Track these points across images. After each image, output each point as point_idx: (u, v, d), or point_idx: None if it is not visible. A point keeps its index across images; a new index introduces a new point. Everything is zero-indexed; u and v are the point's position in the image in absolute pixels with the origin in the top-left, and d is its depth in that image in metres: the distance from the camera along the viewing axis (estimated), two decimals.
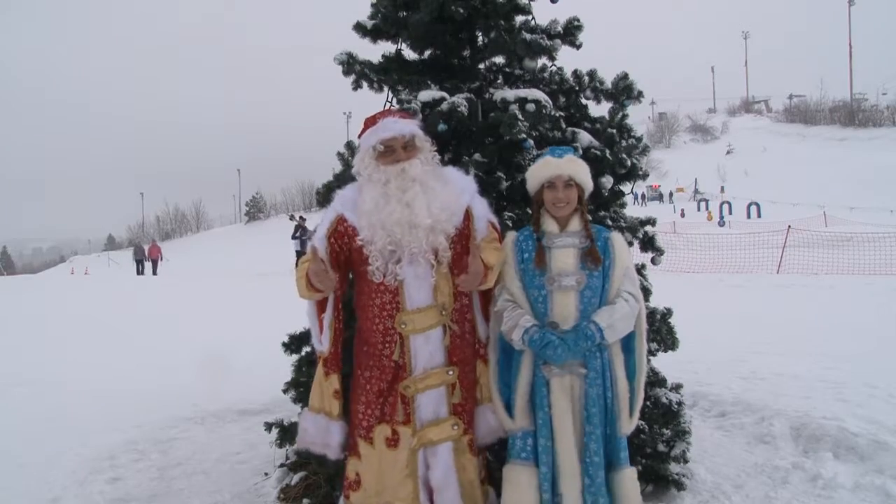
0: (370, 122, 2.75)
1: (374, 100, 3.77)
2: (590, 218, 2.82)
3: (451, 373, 2.64)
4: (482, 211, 2.76)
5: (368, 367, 2.66)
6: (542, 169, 2.71)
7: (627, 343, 2.69)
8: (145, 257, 28.68)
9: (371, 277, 2.61)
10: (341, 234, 2.69)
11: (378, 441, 2.63)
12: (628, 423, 2.67)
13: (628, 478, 2.65)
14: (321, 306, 2.73)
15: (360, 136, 2.79)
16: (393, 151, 2.64)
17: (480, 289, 2.71)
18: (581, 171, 2.72)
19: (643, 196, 46.48)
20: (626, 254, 2.71)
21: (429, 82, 3.49)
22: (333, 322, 2.72)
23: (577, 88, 3.72)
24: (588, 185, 2.75)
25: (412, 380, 2.60)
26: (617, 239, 2.72)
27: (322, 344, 2.73)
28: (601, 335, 2.54)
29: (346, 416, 2.75)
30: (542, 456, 2.60)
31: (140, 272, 27.74)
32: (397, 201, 2.58)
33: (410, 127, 2.69)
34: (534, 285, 2.66)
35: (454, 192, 2.69)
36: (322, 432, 2.73)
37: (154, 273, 27.58)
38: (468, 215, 2.72)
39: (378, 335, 2.63)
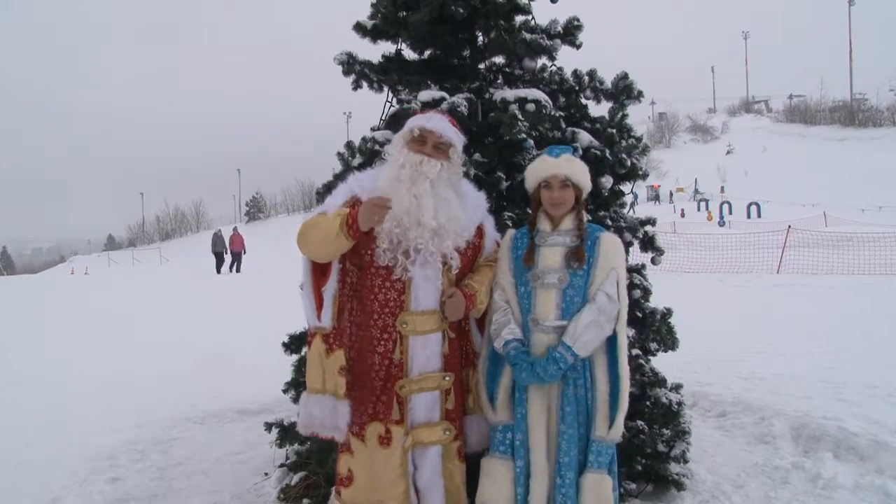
0: (424, 112, 2.76)
1: (374, 100, 3.78)
2: (589, 218, 2.81)
3: (447, 378, 2.64)
4: (492, 230, 2.81)
5: (360, 363, 2.63)
6: (539, 168, 2.70)
7: (610, 344, 2.62)
8: (225, 250, 23.36)
9: (377, 260, 2.57)
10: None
11: (370, 439, 2.61)
12: (604, 429, 2.55)
13: (590, 482, 2.53)
14: (319, 275, 2.62)
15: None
16: (424, 143, 2.62)
17: (474, 314, 2.72)
18: (578, 172, 2.67)
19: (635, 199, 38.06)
20: (614, 255, 2.62)
21: (429, 82, 3.49)
22: (337, 296, 2.63)
23: (577, 88, 3.72)
24: (586, 185, 2.70)
25: (408, 380, 2.59)
26: (606, 240, 2.64)
27: (322, 320, 2.61)
28: (572, 353, 2.52)
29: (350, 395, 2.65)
30: (518, 451, 2.63)
31: (220, 270, 22.90)
32: (407, 189, 2.56)
33: (452, 133, 2.66)
34: (521, 281, 2.69)
35: (466, 206, 2.69)
36: (330, 414, 2.60)
37: (237, 270, 22.67)
38: (481, 232, 2.76)
39: (376, 331, 2.60)
